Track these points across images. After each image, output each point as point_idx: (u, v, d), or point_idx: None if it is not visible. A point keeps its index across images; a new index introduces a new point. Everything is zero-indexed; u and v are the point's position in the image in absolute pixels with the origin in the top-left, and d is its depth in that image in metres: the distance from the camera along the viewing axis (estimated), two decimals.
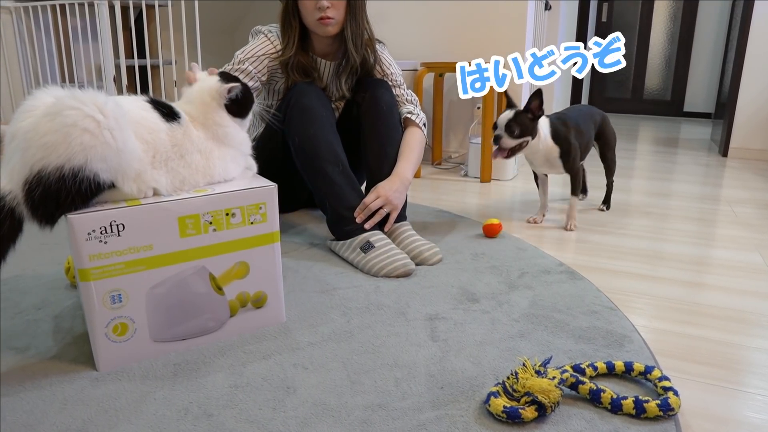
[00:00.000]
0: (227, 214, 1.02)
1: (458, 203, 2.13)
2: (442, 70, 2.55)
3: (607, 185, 2.06)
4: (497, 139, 1.68)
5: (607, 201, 2.06)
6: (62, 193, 0.86)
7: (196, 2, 2.62)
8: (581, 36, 5.05)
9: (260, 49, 1.54)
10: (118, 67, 3.36)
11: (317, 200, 1.53)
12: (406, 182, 1.52)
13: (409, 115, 1.62)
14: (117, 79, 2.72)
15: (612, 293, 1.31)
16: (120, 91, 2.76)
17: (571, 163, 1.76)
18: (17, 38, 3.09)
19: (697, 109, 5.55)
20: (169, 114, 1.01)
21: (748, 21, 3.13)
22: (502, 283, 1.33)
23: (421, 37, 2.86)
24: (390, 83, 1.64)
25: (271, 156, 1.52)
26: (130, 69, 3.33)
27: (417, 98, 1.72)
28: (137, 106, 0.98)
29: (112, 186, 0.92)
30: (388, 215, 1.49)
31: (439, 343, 1.05)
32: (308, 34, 1.57)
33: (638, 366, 0.94)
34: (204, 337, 1.06)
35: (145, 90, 3.56)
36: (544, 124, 1.74)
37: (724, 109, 3.52)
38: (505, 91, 1.78)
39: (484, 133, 2.41)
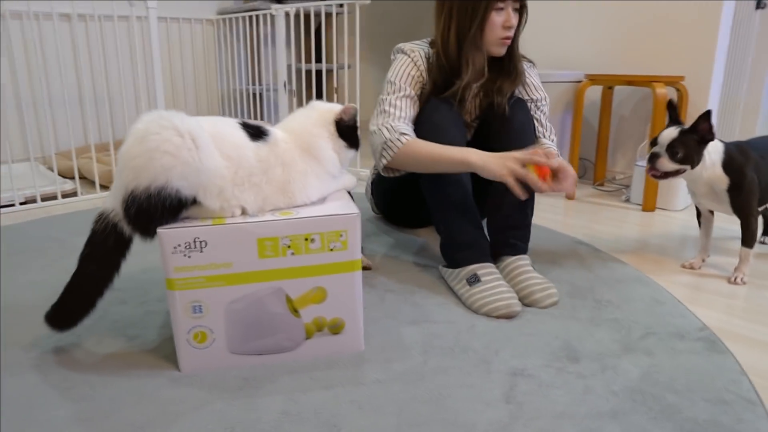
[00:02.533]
0: (306, 239, 1.02)
1: (606, 234, 1.91)
2: (610, 83, 2.29)
3: None
4: (654, 158, 1.47)
5: None
6: (152, 209, 0.93)
7: (357, 5, 2.69)
8: None
9: (408, 69, 1.49)
10: (299, 71, 3.61)
11: (434, 221, 1.48)
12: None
13: (541, 137, 1.49)
14: (288, 84, 2.91)
15: (762, 378, 1.07)
16: (292, 95, 2.96)
17: (743, 200, 1.47)
18: (216, 45, 3.47)
19: None
20: (256, 133, 1.05)
21: None
22: (616, 343, 1.15)
23: (588, 45, 2.60)
24: (534, 106, 1.53)
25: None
26: (310, 73, 3.56)
27: (554, 130, 1.57)
28: (225, 124, 1.03)
29: (196, 202, 0.98)
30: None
31: (511, 406, 0.94)
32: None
33: None
34: (279, 355, 1.07)
35: (319, 93, 3.78)
36: (715, 149, 1.47)
37: None
38: (670, 100, 1.53)
39: None
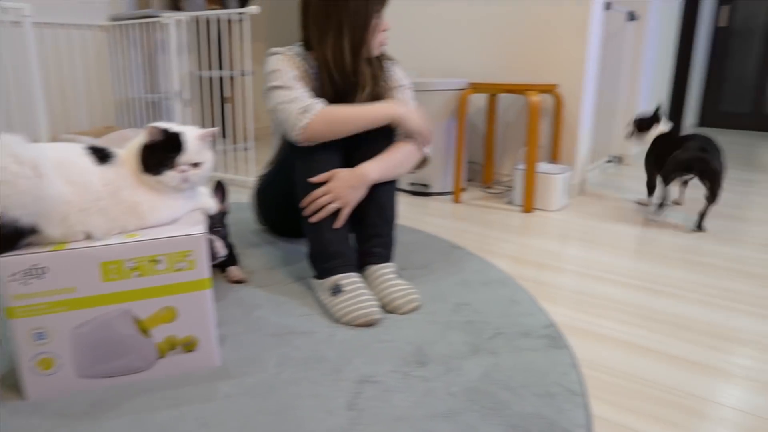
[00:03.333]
0: (152, 261, 1.03)
1: (483, 236, 2.01)
2: (491, 91, 2.41)
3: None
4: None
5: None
6: None
7: (248, 16, 2.68)
8: (687, 45, 4.57)
9: (290, 64, 1.49)
10: (201, 79, 3.55)
11: (304, 232, 1.50)
12: (365, 181, 1.42)
13: None
14: (182, 92, 2.87)
15: (593, 369, 1.17)
16: (187, 105, 2.92)
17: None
18: (110, 53, 3.36)
19: None
20: (102, 156, 1.05)
21: None
22: (466, 345, 1.23)
23: (473, 55, 2.72)
24: (399, 93, 1.60)
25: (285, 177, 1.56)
26: (211, 80, 3.51)
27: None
28: (70, 150, 1.02)
29: (36, 230, 0.97)
30: (338, 211, 1.42)
31: (353, 413, 0.99)
32: None
33: None
34: (132, 376, 1.08)
35: (220, 101, 3.74)
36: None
37: None
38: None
39: (529, 159, 2.26)
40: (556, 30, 2.47)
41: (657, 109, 2.36)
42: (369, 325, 1.30)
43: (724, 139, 4.76)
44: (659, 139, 2.29)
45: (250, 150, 2.77)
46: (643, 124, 2.38)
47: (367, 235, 1.47)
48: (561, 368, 1.15)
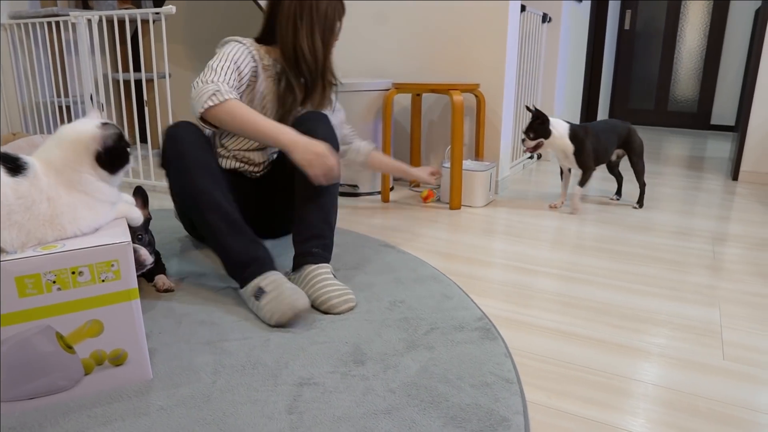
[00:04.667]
0: (74, 273, 0.98)
1: (414, 234, 2.04)
2: (415, 90, 2.45)
3: (640, 187, 2.46)
4: (523, 141, 2.32)
5: (640, 200, 2.47)
6: None
7: (162, 14, 2.60)
8: (597, 47, 4.84)
9: (242, 52, 1.57)
10: (116, 81, 3.40)
11: (212, 249, 1.46)
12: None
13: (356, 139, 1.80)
14: (96, 96, 2.73)
15: (525, 358, 1.21)
16: (101, 109, 2.78)
17: (583, 159, 2.30)
18: (12, 54, 3.15)
19: (726, 122, 5.26)
20: (14, 168, 0.98)
21: (762, 33, 2.92)
22: (402, 341, 1.25)
23: (397, 56, 2.76)
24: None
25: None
26: (127, 83, 3.37)
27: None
28: None
29: None
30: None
31: (293, 416, 0.98)
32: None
33: None
34: (57, 395, 1.02)
35: (138, 104, 3.59)
36: (563, 127, 2.29)
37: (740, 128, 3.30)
38: (526, 105, 2.51)
39: (453, 157, 2.31)
40: (477, 31, 2.55)
41: (535, 110, 2.29)
42: (297, 316, 1.29)
43: None
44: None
45: None
46: (541, 130, 2.28)
47: (308, 236, 1.47)
48: (495, 358, 1.18)
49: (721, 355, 1.23)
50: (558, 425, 0.99)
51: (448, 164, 2.40)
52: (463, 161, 2.44)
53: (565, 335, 1.31)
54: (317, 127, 1.52)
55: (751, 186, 3.01)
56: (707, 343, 1.28)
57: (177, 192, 1.47)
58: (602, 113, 5.43)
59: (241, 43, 1.59)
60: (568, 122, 2.32)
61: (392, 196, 2.61)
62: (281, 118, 1.64)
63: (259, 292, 1.32)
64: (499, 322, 1.37)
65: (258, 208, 1.77)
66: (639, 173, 2.42)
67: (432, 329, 1.30)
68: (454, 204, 2.36)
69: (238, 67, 1.54)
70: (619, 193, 2.61)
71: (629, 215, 2.35)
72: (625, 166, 2.55)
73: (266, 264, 1.39)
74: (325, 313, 1.37)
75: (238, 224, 1.40)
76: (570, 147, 2.29)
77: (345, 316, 1.36)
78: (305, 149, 1.39)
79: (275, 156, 1.78)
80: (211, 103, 1.41)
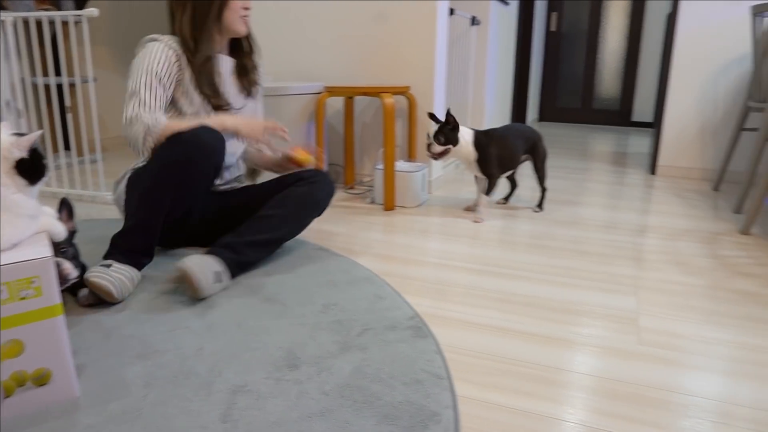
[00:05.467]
0: None
1: (348, 236, 2.06)
2: (347, 94, 2.47)
3: (541, 191, 2.46)
4: (429, 146, 2.23)
5: (540, 204, 2.47)
6: None
7: (84, 17, 2.51)
8: (525, 48, 5.01)
9: (164, 55, 1.59)
10: (35, 86, 3.25)
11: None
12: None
13: None
14: (13, 101, 2.61)
15: (456, 354, 1.26)
16: (19, 115, 2.66)
17: (487, 167, 2.26)
18: None
19: (645, 119, 5.55)
20: None
21: (673, 32, 3.10)
22: (336, 344, 1.27)
23: (329, 59, 2.78)
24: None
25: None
26: (49, 88, 3.23)
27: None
28: None
29: None
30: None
31: (227, 425, 0.98)
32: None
33: None
34: None
35: (60, 110, 3.45)
36: (468, 134, 2.25)
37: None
38: (429, 113, 2.24)
39: (386, 159, 2.35)
40: (406, 34, 2.59)
41: (448, 114, 2.21)
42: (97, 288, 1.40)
43: (560, 132, 5.27)
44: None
45: (98, 162, 2.59)
46: (451, 136, 2.22)
47: (225, 243, 1.60)
48: (426, 356, 1.22)
49: (637, 341, 1.32)
50: (487, 417, 1.04)
51: (381, 166, 2.43)
52: (396, 162, 2.48)
53: (495, 330, 1.37)
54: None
55: (668, 179, 3.20)
56: (625, 330, 1.37)
57: (164, 163, 1.49)
58: (532, 113, 5.62)
59: (159, 41, 1.61)
60: (472, 129, 2.28)
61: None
62: (217, 97, 1.70)
63: (107, 265, 1.46)
64: (430, 320, 1.41)
65: (218, 221, 1.83)
66: (542, 179, 2.42)
67: (365, 330, 1.33)
68: (388, 205, 2.40)
69: (161, 80, 1.57)
70: (507, 198, 2.60)
71: (557, 210, 2.45)
72: (524, 172, 2.65)
73: (138, 263, 1.55)
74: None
75: (156, 228, 1.55)
76: (473, 154, 2.23)
77: (278, 321, 1.36)
78: (247, 126, 1.61)
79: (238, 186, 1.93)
80: (150, 143, 1.52)
